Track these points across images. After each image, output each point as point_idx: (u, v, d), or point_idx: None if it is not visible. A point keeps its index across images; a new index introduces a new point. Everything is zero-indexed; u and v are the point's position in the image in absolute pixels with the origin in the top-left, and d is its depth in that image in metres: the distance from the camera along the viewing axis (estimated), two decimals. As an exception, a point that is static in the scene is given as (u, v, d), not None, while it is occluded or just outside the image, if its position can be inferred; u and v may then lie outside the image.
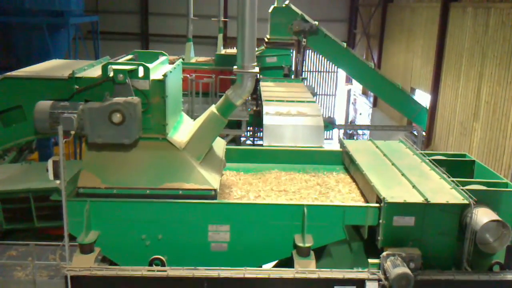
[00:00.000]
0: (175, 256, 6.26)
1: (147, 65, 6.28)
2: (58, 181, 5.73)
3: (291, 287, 6.02)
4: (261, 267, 6.43)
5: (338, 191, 7.36)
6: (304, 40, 16.57)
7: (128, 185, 6.25)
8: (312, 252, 6.22)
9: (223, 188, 7.35)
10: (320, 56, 29.38)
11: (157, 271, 5.95)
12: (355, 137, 26.93)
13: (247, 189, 7.37)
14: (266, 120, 10.84)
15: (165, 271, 5.93)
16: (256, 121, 15.39)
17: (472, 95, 15.05)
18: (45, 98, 6.18)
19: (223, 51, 20.46)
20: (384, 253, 5.95)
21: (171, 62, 7.58)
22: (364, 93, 28.74)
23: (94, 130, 6.00)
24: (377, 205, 6.23)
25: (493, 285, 6.10)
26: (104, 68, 6.22)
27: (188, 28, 20.11)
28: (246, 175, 7.97)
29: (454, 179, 6.63)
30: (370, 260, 6.07)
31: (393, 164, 7.43)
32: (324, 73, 33.04)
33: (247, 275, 5.91)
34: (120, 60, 6.94)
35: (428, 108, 18.18)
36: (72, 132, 5.85)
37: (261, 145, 11.30)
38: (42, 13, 17.93)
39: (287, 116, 10.99)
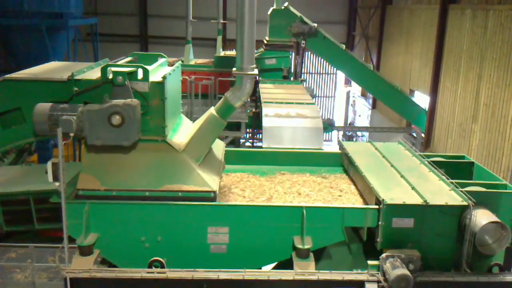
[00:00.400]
0: (174, 258, 6.25)
1: (146, 67, 6.28)
2: (57, 183, 5.73)
3: (290, 289, 6.03)
4: (261, 268, 6.44)
5: (352, 193, 7.34)
6: (303, 42, 16.59)
7: (127, 187, 6.25)
8: (311, 254, 6.22)
9: (236, 189, 7.33)
10: (319, 58, 29.41)
11: (157, 273, 5.95)
12: (354, 139, 26.94)
13: (261, 191, 7.31)
14: (265, 122, 10.85)
15: (165, 273, 5.93)
16: (255, 123, 15.41)
17: (471, 97, 15.08)
18: (44, 100, 6.17)
19: (222, 53, 20.49)
20: (383, 255, 5.95)
21: (170, 64, 7.58)
22: (363, 95, 28.78)
23: (93, 132, 6.00)
24: (376, 206, 6.23)
25: (492, 286, 6.11)
26: (103, 70, 6.23)
27: (187, 30, 20.14)
28: (257, 177, 7.92)
29: (453, 180, 6.64)
30: (370, 262, 6.07)
31: (392, 165, 7.43)
32: (323, 75, 33.08)
33: (246, 277, 5.91)
34: (119, 62, 6.95)
35: (427, 110, 18.20)
36: (71, 134, 5.84)
37: (261, 147, 11.30)
38: (41, 15, 17.95)
39: (286, 118, 11.00)
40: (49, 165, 5.69)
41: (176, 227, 6.22)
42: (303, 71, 18.76)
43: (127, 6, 30.09)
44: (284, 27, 16.58)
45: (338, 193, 7.31)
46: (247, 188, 7.40)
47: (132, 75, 6.22)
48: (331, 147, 27.33)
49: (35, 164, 12.89)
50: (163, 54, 7.72)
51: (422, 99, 19.58)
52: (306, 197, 7.13)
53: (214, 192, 6.34)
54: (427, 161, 7.54)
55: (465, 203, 6.05)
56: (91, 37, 22.94)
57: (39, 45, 18.08)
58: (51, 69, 7.30)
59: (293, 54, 17.51)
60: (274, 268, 6.70)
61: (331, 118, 30.38)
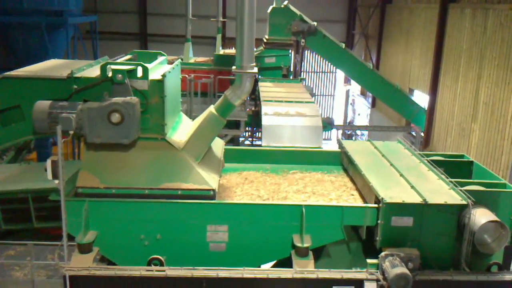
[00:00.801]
0: (173, 256, 6.25)
1: (146, 65, 6.28)
2: (56, 181, 5.72)
3: (289, 287, 6.02)
4: (260, 267, 6.44)
5: None
6: (303, 40, 16.58)
7: (126, 185, 6.25)
8: (310, 252, 6.22)
9: (250, 189, 7.31)
10: (319, 56, 29.40)
11: (156, 271, 5.95)
12: (353, 138, 26.95)
13: (276, 190, 7.28)
14: (265, 120, 10.84)
15: (164, 271, 5.93)
16: (255, 121, 15.41)
17: (470, 96, 15.08)
18: (43, 98, 6.17)
19: (221, 52, 20.46)
20: (383, 253, 5.95)
21: (170, 62, 7.58)
22: (363, 93, 28.77)
23: (93, 130, 6.00)
24: (376, 205, 6.23)
25: (491, 285, 6.10)
26: (103, 68, 6.22)
27: (187, 28, 20.12)
28: (271, 176, 7.90)
29: (452, 179, 6.64)
30: (369, 260, 6.07)
31: (391, 164, 7.43)
32: (323, 73, 33.07)
33: (245, 275, 5.91)
34: (118, 60, 6.94)
35: (426, 109, 18.21)
36: (71, 132, 5.84)
37: (260, 145, 11.30)
38: (40, 12, 17.93)
39: (286, 117, 10.99)
40: (48, 163, 5.69)
41: (175, 225, 6.22)
42: (302, 70, 18.76)
43: (126, 4, 30.04)
44: (283, 26, 16.55)
45: (353, 192, 7.30)
46: (261, 188, 7.38)
47: (131, 73, 6.21)
48: (331, 145, 27.36)
49: (34, 162, 12.88)
50: (162, 52, 7.72)
51: (421, 98, 19.59)
52: (322, 196, 7.12)
53: (214, 190, 6.34)
54: (426, 160, 7.54)
55: (464, 202, 6.05)
56: (91, 35, 22.94)
57: (38, 43, 18.07)
58: (51, 66, 7.29)
59: (293, 52, 17.50)
60: (273, 266, 6.71)
61: (330, 116, 30.33)
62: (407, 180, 6.74)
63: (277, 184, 7.51)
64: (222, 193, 7.14)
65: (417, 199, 6.12)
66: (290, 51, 17.39)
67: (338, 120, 30.73)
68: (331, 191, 7.34)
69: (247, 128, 16.52)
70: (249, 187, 7.40)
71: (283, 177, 7.89)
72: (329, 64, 29.60)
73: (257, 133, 17.44)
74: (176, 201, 6.21)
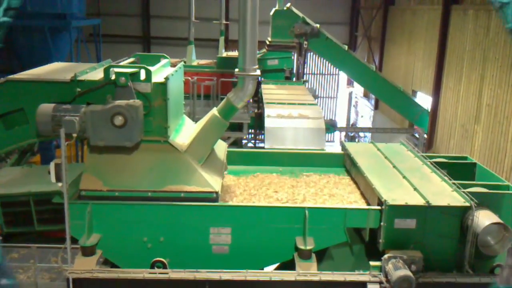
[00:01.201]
0: (176, 259, 6.26)
1: (149, 68, 6.29)
2: (60, 184, 5.74)
3: (292, 290, 6.02)
4: (263, 269, 6.44)
5: None
6: (306, 42, 16.59)
7: (129, 187, 6.27)
8: (313, 255, 6.22)
9: (268, 191, 7.30)
10: (322, 58, 29.38)
11: (159, 273, 5.96)
12: (356, 140, 26.92)
13: (294, 193, 7.28)
14: (268, 122, 10.84)
15: (167, 273, 5.94)
16: (258, 123, 15.42)
17: (473, 98, 15.05)
18: (47, 101, 6.19)
19: (224, 54, 20.47)
20: (386, 256, 5.95)
21: (173, 65, 7.60)
22: (366, 95, 28.76)
23: (96, 132, 6.02)
24: (378, 207, 6.23)
25: None
26: (106, 71, 6.24)
27: (190, 31, 20.13)
28: (289, 178, 7.91)
29: (455, 181, 6.64)
30: (372, 263, 6.07)
31: (394, 166, 7.43)
32: (326, 75, 33.06)
33: (248, 278, 5.91)
34: (122, 63, 6.96)
35: (429, 110, 18.18)
36: (74, 135, 5.86)
37: (263, 147, 11.30)
38: (44, 16, 17.97)
39: (289, 119, 10.99)
40: (52, 165, 5.71)
41: (178, 228, 6.23)
42: (305, 72, 18.74)
43: (129, 7, 30.13)
44: (286, 28, 16.58)
45: None
46: (279, 190, 7.38)
47: (134, 76, 6.23)
48: (333, 148, 27.32)
49: (37, 165, 12.91)
50: (165, 55, 7.73)
51: (424, 100, 19.56)
52: (341, 198, 7.12)
53: (217, 192, 6.35)
54: (429, 162, 7.53)
55: (467, 204, 6.05)
56: (94, 38, 22.97)
57: (42, 46, 18.10)
58: (54, 70, 7.31)
59: (295, 55, 17.51)
60: (276, 269, 6.71)
61: (333, 119, 30.35)
62: (410, 182, 6.74)
63: (293, 187, 7.52)
64: (240, 196, 7.19)
65: (420, 201, 6.12)
66: (292, 53, 17.40)
67: (341, 122, 30.67)
68: (349, 193, 7.33)
69: (250, 131, 16.52)
70: (266, 189, 7.42)
71: (300, 179, 7.89)
72: (332, 66, 29.58)
73: (260, 135, 17.44)
74: (179, 204, 6.22)
